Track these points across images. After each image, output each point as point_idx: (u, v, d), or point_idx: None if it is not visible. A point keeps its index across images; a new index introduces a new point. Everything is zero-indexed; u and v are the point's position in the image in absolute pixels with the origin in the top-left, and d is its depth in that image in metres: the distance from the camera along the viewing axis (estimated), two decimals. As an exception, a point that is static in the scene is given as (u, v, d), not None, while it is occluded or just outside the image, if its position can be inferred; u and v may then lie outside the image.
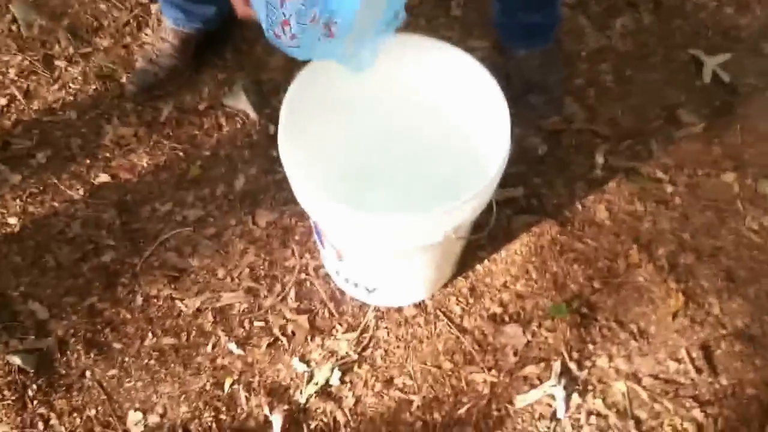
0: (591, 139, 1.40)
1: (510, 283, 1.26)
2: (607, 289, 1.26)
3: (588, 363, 1.19)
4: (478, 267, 1.28)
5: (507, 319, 1.23)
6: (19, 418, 1.12)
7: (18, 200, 1.31)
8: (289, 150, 0.91)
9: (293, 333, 1.21)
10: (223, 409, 1.15)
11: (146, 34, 1.49)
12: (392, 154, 1.14)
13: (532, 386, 1.17)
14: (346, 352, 1.19)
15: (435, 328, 1.22)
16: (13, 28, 1.48)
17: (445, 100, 1.07)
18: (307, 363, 1.19)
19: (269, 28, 0.82)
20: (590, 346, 1.20)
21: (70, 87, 1.43)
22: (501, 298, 1.25)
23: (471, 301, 1.25)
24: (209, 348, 1.20)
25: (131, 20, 1.51)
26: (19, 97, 1.41)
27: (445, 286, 1.26)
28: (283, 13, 0.80)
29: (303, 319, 1.22)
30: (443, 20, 1.54)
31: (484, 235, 1.26)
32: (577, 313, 1.23)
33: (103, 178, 1.34)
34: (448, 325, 1.22)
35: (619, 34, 1.51)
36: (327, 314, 1.23)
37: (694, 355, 1.19)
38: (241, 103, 1.41)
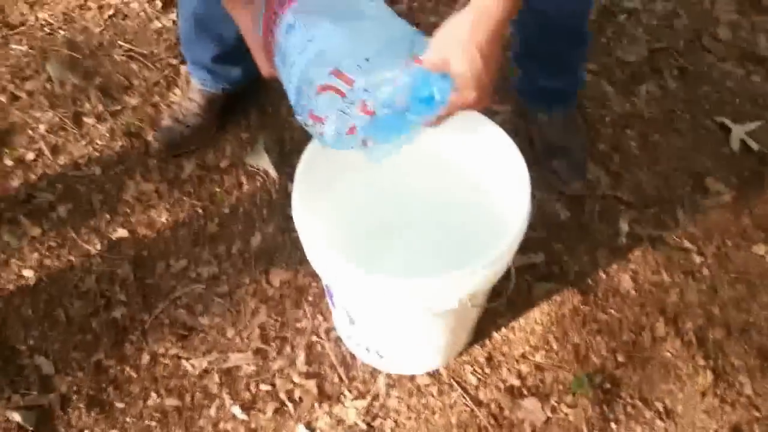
0: (615, 205, 1.36)
1: (529, 353, 1.21)
2: (632, 363, 1.19)
3: (611, 443, 1.12)
4: (496, 335, 1.23)
5: (525, 392, 1.17)
6: (14, 478, 1.09)
7: (36, 253, 1.32)
8: (302, 209, 0.90)
9: (300, 399, 1.17)
10: (224, 477, 1.10)
11: (175, 94, 1.53)
12: (410, 216, 1.13)
13: (551, 467, 1.09)
14: (355, 422, 1.14)
15: (449, 399, 1.17)
16: (48, 86, 1.53)
17: (464, 163, 1.05)
18: (313, 431, 1.14)
19: (297, 109, 0.81)
20: (613, 425, 1.13)
21: (96, 143, 1.46)
22: (519, 369, 1.19)
23: (487, 371, 1.19)
24: (213, 411, 1.16)
25: (161, 80, 1.55)
26: (47, 152, 1.44)
27: (461, 354, 1.21)
28: (315, 108, 0.79)
29: (311, 384, 1.18)
30: (465, 85, 1.54)
31: (502, 303, 1.22)
32: (599, 389, 1.16)
33: (121, 233, 1.35)
34: (463, 397, 1.16)
35: (644, 100, 1.49)
36: (336, 379, 1.19)
37: (726, 439, 1.11)
38: (262, 161, 1.42)
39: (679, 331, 1.22)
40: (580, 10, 1.19)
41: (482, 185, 1.05)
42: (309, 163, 0.93)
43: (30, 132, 1.47)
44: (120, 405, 1.17)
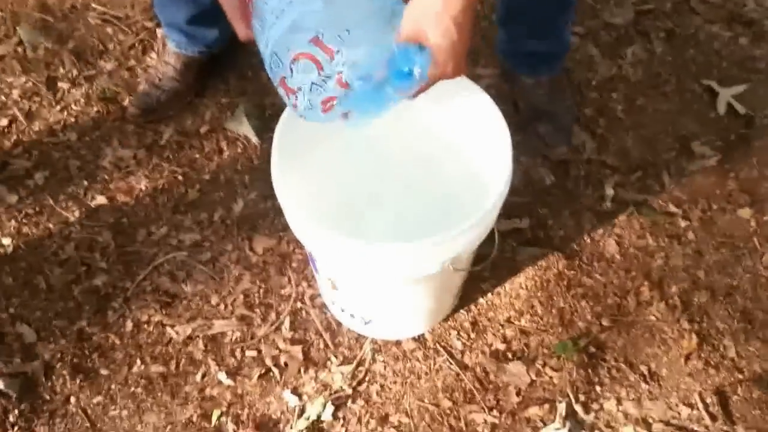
0: (600, 170, 1.36)
1: (514, 318, 1.21)
2: (617, 327, 1.20)
3: (595, 406, 1.12)
4: (481, 300, 1.23)
5: (510, 356, 1.17)
6: (-3, 446, 1.08)
7: (13, 221, 1.29)
8: (282, 174, 0.88)
9: (286, 364, 1.16)
10: (209, 443, 1.10)
11: (151, 58, 1.49)
12: (392, 181, 1.11)
13: (535, 429, 1.10)
14: (340, 386, 1.14)
15: (434, 364, 1.17)
16: (19, 50, 1.48)
17: (446, 126, 1.03)
18: (299, 396, 1.14)
19: (271, 76, 0.78)
20: (598, 388, 1.14)
21: (72, 109, 1.42)
22: (504, 333, 1.19)
23: (473, 336, 1.19)
24: (198, 377, 1.15)
25: (137, 44, 1.51)
26: (21, 118, 1.40)
27: (446, 319, 1.21)
28: (288, 78, 0.76)
29: (297, 350, 1.17)
30: (451, 48, 1.51)
31: (486, 267, 1.22)
32: (584, 353, 1.17)
33: (100, 200, 1.32)
34: (448, 361, 1.16)
35: (630, 63, 1.47)
36: (322, 345, 1.18)
37: (708, 400, 1.12)
38: (242, 127, 1.39)
39: (664, 295, 1.22)
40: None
41: (464, 149, 1.04)
42: (287, 127, 0.90)
43: (2, 98, 1.43)
44: (105, 372, 1.16)
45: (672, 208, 1.31)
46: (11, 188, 1.32)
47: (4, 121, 1.40)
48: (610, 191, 1.33)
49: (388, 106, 0.77)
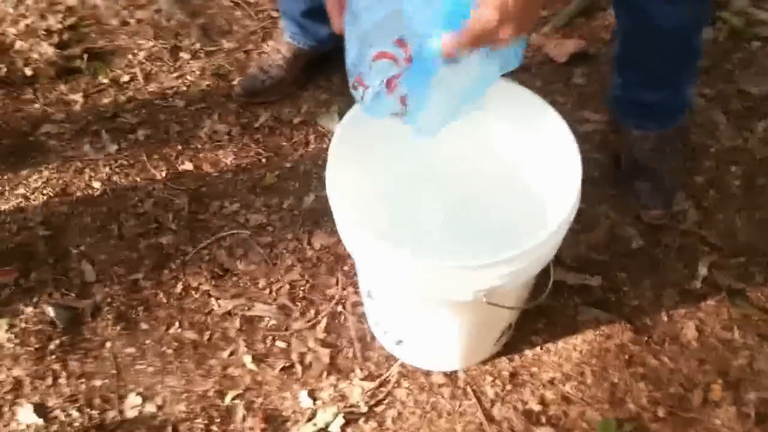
0: (698, 245, 1.22)
1: (559, 381, 1.11)
2: (672, 421, 1.06)
3: (625, 500, 1.00)
4: (528, 352, 1.14)
5: (544, 420, 1.07)
6: (34, 367, 1.14)
7: (107, 168, 1.39)
8: (337, 165, 0.87)
9: (310, 364, 1.14)
10: (217, 420, 1.10)
11: (268, 45, 1.55)
12: (454, 199, 1.06)
13: (550, 505, 1.00)
14: (357, 401, 1.10)
15: (460, 406, 1.09)
16: (156, 17, 1.60)
17: (517, 150, 0.97)
18: (314, 400, 1.11)
19: (350, 69, 0.78)
20: (632, 481, 1.01)
21: (186, 78, 1.51)
22: (543, 395, 1.09)
23: (509, 387, 1.11)
24: (226, 354, 1.16)
25: (259, 30, 1.58)
26: (140, 77, 1.51)
27: (485, 362, 1.13)
28: (365, 75, 0.77)
29: (325, 353, 1.15)
30: (561, 86, 1.44)
31: (540, 319, 1.13)
32: (627, 438, 1.04)
33: (188, 166, 1.38)
34: (476, 407, 1.09)
35: (759, 137, 1.32)
36: (351, 355, 1.15)
37: None
38: (333, 125, 1.40)
39: (738, 400, 1.07)
40: (688, 21, 1.07)
41: (534, 177, 0.97)
42: (347, 129, 0.89)
43: (130, 57, 1.55)
44: (144, 326, 1.20)
45: (771, 306, 1.15)
46: (114, 138, 1.43)
47: (126, 77, 1.52)
48: (703, 270, 1.19)
49: (438, 75, 0.73)
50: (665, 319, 1.16)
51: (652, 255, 1.22)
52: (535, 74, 1.46)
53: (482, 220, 1.05)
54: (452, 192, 1.05)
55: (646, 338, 1.14)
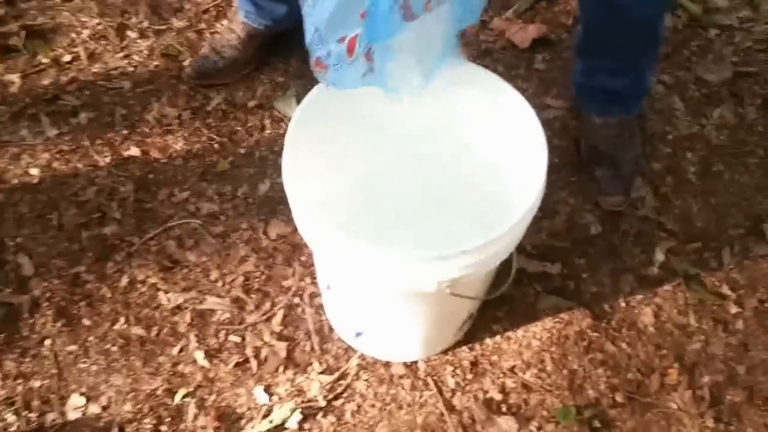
0: (655, 231, 1.22)
1: (519, 368, 1.10)
2: (631, 406, 1.06)
3: (585, 487, 1.00)
4: (488, 341, 1.12)
5: (504, 409, 1.06)
6: (-34, 368, 1.07)
7: (47, 154, 1.30)
8: (294, 157, 0.82)
9: (266, 359, 1.10)
10: (167, 419, 1.05)
11: (221, 24, 1.48)
12: (413, 187, 1.03)
13: (511, 495, 0.99)
14: (315, 396, 1.06)
15: (420, 397, 1.07)
16: (100, -7, 1.52)
17: (482, 135, 0.95)
18: (270, 395, 1.07)
19: (310, 49, 0.77)
20: (592, 468, 1.01)
21: (133, 59, 1.43)
22: (504, 383, 1.08)
23: (469, 377, 1.09)
24: (175, 350, 1.11)
25: (212, 8, 1.51)
26: (83, 57, 1.42)
27: (445, 352, 1.11)
28: (324, 57, 0.74)
29: (281, 347, 1.11)
30: (523, 71, 1.42)
31: (501, 307, 1.12)
32: (587, 425, 1.04)
33: (134, 151, 1.31)
34: (436, 397, 1.07)
35: (715, 125, 1.33)
36: (308, 348, 1.11)
37: None
38: (290, 109, 1.35)
39: (693, 383, 1.08)
40: (657, 6, 1.06)
41: (498, 164, 0.94)
42: (305, 113, 0.85)
43: (73, 35, 1.46)
44: (87, 322, 1.13)
45: (725, 290, 1.16)
46: (54, 122, 1.34)
47: (68, 57, 1.43)
48: (660, 256, 1.20)
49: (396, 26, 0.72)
50: (623, 305, 1.16)
51: (610, 241, 1.22)
52: (497, 59, 1.44)
53: (447, 209, 1.03)
54: (416, 179, 1.02)
55: (604, 324, 1.14)
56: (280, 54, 1.42)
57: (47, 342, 1.10)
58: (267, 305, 1.15)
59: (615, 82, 1.18)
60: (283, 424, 1.04)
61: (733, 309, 1.14)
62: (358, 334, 1.06)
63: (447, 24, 0.78)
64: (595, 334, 1.13)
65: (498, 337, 1.12)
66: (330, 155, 0.95)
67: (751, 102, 1.36)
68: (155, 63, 1.43)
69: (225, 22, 1.49)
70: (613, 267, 1.19)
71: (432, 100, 0.83)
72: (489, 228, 0.77)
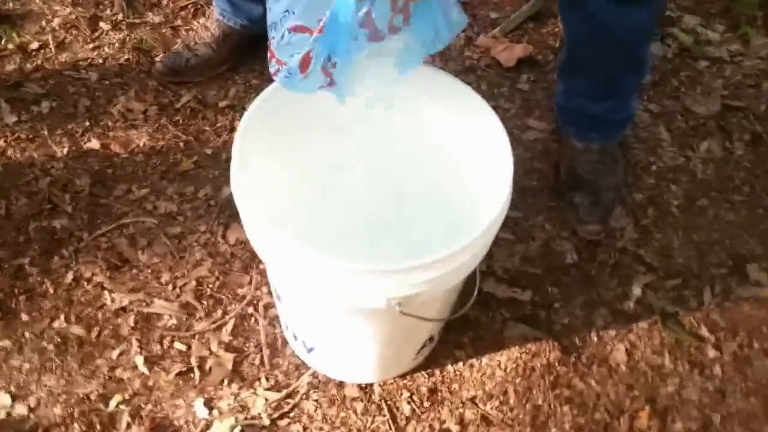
0: (633, 264, 1.17)
1: (480, 399, 1.03)
2: (596, 448, 0.99)
3: None
4: (449, 368, 1.05)
5: (461, 441, 0.99)
6: None
7: (2, 140, 1.24)
8: (244, 158, 0.77)
9: (210, 370, 1.03)
10: (97, 427, 0.97)
11: (198, 22, 1.44)
12: (373, 195, 0.97)
13: None
14: (259, 413, 0.99)
15: (372, 422, 1.00)
16: (77, -19, 1.47)
17: (446, 145, 0.89)
18: (211, 409, 0.99)
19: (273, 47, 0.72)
20: None
21: (104, 51, 1.38)
22: (462, 414, 1.01)
23: (426, 405, 1.02)
24: (115, 354, 1.03)
25: (190, 6, 1.46)
26: (52, 45, 1.37)
27: (403, 376, 1.04)
28: (279, 50, 0.70)
29: (228, 358, 1.04)
30: (506, 90, 1.38)
31: (465, 332, 1.06)
32: (547, 465, 0.97)
33: (94, 144, 1.25)
34: (389, 424, 0.99)
35: (701, 158, 1.28)
36: (257, 361, 1.04)
37: None
38: (262, 112, 1.30)
39: (665, 429, 1.01)
40: (639, 28, 1.02)
41: (466, 179, 0.89)
42: (256, 115, 0.80)
43: (43, 23, 1.41)
44: (25, 317, 1.06)
45: (704, 332, 1.10)
46: (14, 109, 1.28)
47: (35, 45, 1.37)
48: (637, 291, 1.14)
49: (362, 45, 0.68)
50: (595, 339, 1.09)
51: (586, 271, 1.16)
52: (480, 76, 1.39)
53: (409, 221, 0.97)
54: (376, 188, 0.96)
55: (573, 359, 1.07)
56: (257, 55, 1.37)
57: (-23, 336, 1.03)
58: (218, 313, 1.08)
59: (596, 107, 1.13)
60: (221, 442, 0.96)
61: (711, 353, 1.07)
62: (311, 350, 0.99)
63: (413, 48, 0.74)
64: (563, 368, 1.06)
65: (460, 364, 1.06)
66: (286, 159, 0.89)
67: (740, 137, 1.31)
68: (126, 57, 1.38)
69: (201, 20, 1.44)
70: (587, 298, 1.13)
71: (395, 104, 0.78)
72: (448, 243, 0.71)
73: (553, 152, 1.28)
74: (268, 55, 0.74)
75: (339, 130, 0.88)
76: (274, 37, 0.71)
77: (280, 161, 0.88)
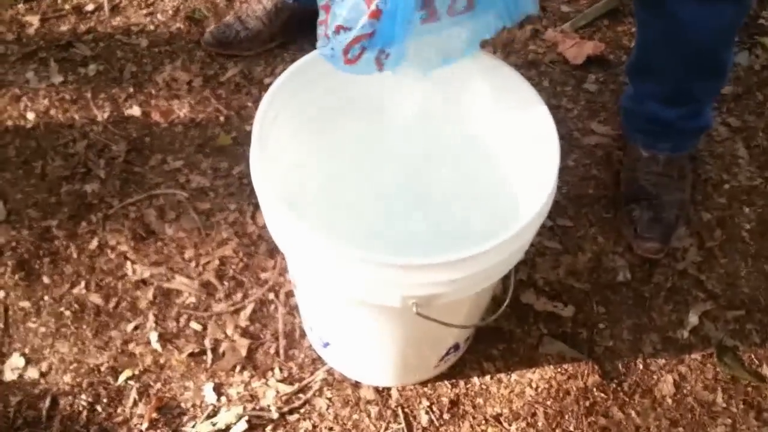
0: (692, 289, 1.05)
1: (505, 418, 0.94)
2: (630, 488, 0.90)
3: None
4: (475, 380, 0.97)
5: (480, 461, 0.91)
6: None
7: (47, 100, 1.23)
8: (266, 139, 0.71)
9: (224, 354, 0.98)
10: (104, 400, 0.94)
11: (254, -5, 1.39)
12: (405, 185, 0.90)
13: None
14: (268, 405, 0.94)
15: (386, 429, 0.93)
16: (137, -55, 1.45)
17: (488, 137, 0.81)
18: (220, 395, 0.95)
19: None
20: None
21: (156, 17, 1.36)
22: (485, 431, 0.93)
23: (446, 417, 0.94)
24: (130, 327, 1.00)
25: (248, -23, 1.42)
26: (106, 8, 1.36)
27: (424, 383, 0.97)
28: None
29: (243, 344, 0.99)
30: (571, 90, 1.28)
31: (497, 345, 0.98)
32: (573, 499, 0.88)
33: (135, 111, 1.23)
34: (404, 433, 0.93)
35: (782, 180, 1.15)
36: (272, 351, 0.99)
37: None
38: (307, 92, 1.25)
39: (710, 475, 0.90)
40: (723, 29, 0.91)
41: (508, 172, 0.80)
42: (282, 95, 0.74)
43: (101, -17, 1.40)
44: (46, 280, 1.04)
45: (765, 371, 0.98)
46: (62, 69, 1.27)
47: (90, 6, 1.36)
48: (694, 319, 1.03)
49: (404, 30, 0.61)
50: (641, 367, 0.99)
51: (638, 292, 1.05)
52: (543, 72, 1.30)
53: (439, 216, 0.89)
54: (406, 177, 0.89)
55: (614, 386, 0.97)
56: (308, 34, 1.31)
57: (0, 293, 1.02)
58: (238, 296, 1.04)
59: (667, 113, 1.02)
60: (227, 429, 0.91)
61: (771, 395, 0.96)
62: (326, 345, 0.93)
63: (472, 35, 0.66)
64: (602, 394, 0.96)
65: (488, 378, 0.98)
66: (310, 142, 0.83)
67: (829, 160, 1.17)
68: (178, 25, 1.35)
69: (260, -7, 1.40)
70: (637, 322, 1.03)
71: (434, 87, 0.70)
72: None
73: (616, 160, 1.18)
74: (318, 22, 0.67)
75: (370, 111, 0.81)
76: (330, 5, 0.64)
77: (304, 144, 0.82)
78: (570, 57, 1.32)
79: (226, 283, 1.05)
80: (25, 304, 1.02)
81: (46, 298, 1.03)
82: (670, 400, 0.96)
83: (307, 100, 0.78)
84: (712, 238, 1.11)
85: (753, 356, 1.00)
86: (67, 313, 1.01)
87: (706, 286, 1.06)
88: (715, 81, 1.00)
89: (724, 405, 0.95)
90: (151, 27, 1.34)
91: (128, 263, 1.06)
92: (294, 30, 1.31)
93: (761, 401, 0.96)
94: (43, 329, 1.00)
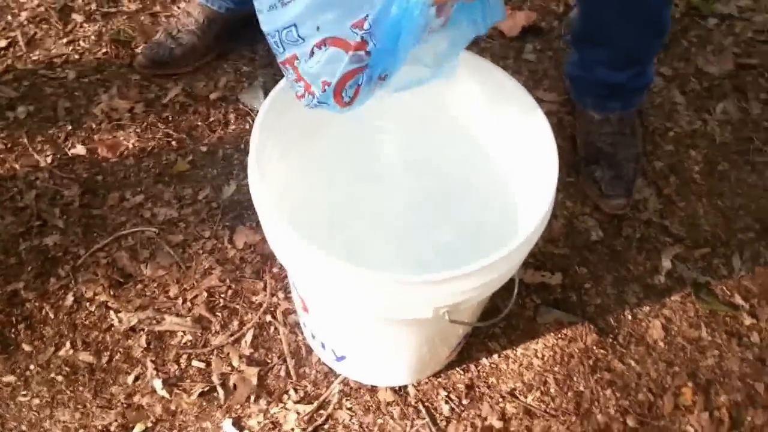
0: (660, 236, 1.13)
1: (520, 392, 0.99)
2: (644, 430, 0.96)
3: None
4: (485, 361, 1.01)
5: (505, 437, 0.95)
6: None
7: (-23, 153, 1.14)
8: (262, 159, 0.70)
9: (235, 387, 0.97)
10: (121, 461, 0.91)
11: (178, 7, 1.33)
12: (401, 195, 0.91)
13: None
14: (292, 428, 0.94)
15: (411, 426, 0.95)
16: (40, -30, 1.35)
17: (483, 139, 0.83)
18: (241, 429, 0.93)
19: (278, 54, 0.63)
20: (605, 504, 0.91)
21: (79, 45, 1.27)
22: (504, 408, 0.97)
23: (465, 402, 0.98)
24: (130, 379, 0.96)
25: (167, -11, 1.35)
26: (21, 43, 1.26)
27: (437, 374, 0.99)
28: (304, 62, 0.60)
29: (252, 372, 0.98)
30: (512, 62, 1.31)
31: (494, 324, 1.01)
32: (596, 454, 0.94)
33: (80, 149, 1.15)
34: (429, 427, 0.95)
35: (718, 120, 1.24)
36: (283, 373, 0.98)
37: None
38: (257, 102, 1.21)
39: (710, 404, 0.98)
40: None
41: (507, 178, 0.83)
42: (274, 110, 0.73)
43: (9, 17, 1.29)
44: (27, 348, 0.98)
45: (738, 300, 1.07)
46: (-13, 117, 1.18)
47: (3, 42, 1.26)
48: (667, 263, 1.10)
49: (407, 51, 0.59)
50: (630, 318, 1.06)
51: (612, 248, 1.12)
52: (484, 48, 1.32)
53: (441, 221, 0.90)
54: (404, 187, 0.90)
55: (610, 340, 1.03)
56: (245, 40, 1.27)
57: (-23, 373, 0.95)
58: (235, 324, 1.02)
59: (617, 76, 1.08)
60: (256, 463, 0.91)
61: (747, 320, 1.05)
62: (340, 359, 0.93)
63: (451, 47, 0.67)
64: (602, 351, 1.02)
65: (495, 357, 1.01)
66: (305, 155, 0.82)
67: (755, 96, 1.27)
68: (104, 50, 1.27)
69: (182, 4, 1.34)
70: (617, 276, 1.09)
71: (427, 95, 0.71)
72: (480, 243, 0.65)
73: (567, 125, 1.23)
74: (291, 74, 0.64)
75: (363, 122, 0.81)
76: (296, 56, 0.61)
77: (298, 161, 0.81)
78: (506, 30, 1.36)
79: (219, 314, 1.02)
80: (10, 378, 0.96)
81: (32, 367, 0.97)
82: (662, 344, 1.04)
83: (296, 116, 0.77)
84: (668, 184, 1.18)
85: (725, 288, 1.09)
86: (59, 378, 0.96)
87: (671, 230, 1.14)
88: (660, 39, 1.06)
89: (710, 338, 1.04)
90: (76, 56, 1.26)
91: (111, 313, 1.01)
92: (229, 38, 1.27)
93: (740, 328, 1.05)
94: (36, 401, 0.94)
